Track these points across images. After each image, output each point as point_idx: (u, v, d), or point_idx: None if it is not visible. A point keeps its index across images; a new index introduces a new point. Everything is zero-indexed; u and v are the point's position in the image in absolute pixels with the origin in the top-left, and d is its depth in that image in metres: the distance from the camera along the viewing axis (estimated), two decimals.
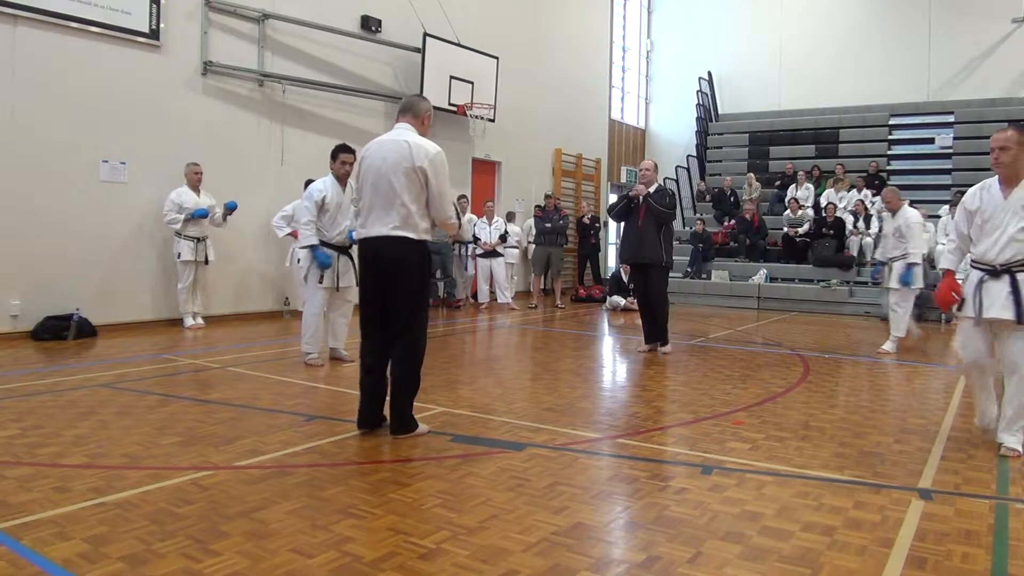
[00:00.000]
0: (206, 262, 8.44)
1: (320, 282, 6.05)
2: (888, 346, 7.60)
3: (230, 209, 8.36)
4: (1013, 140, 3.84)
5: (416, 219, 3.88)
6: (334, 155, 6.05)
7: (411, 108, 4.06)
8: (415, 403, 4.04)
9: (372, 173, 3.92)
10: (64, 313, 7.46)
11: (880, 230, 7.53)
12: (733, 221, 14.48)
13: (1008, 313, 3.80)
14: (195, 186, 8.40)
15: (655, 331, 7.29)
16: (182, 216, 8.17)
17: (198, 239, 8.38)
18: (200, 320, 8.54)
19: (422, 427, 4.08)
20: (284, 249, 9.72)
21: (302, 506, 2.97)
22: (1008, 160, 3.85)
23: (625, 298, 11.49)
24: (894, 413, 4.92)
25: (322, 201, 5.93)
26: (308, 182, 6.67)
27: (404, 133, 3.97)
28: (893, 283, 7.58)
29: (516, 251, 12.25)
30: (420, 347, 4.02)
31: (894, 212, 7.46)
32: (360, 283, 4.17)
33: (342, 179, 6.02)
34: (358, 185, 4.08)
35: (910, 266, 7.54)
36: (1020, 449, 3.85)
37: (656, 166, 7.33)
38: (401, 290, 3.91)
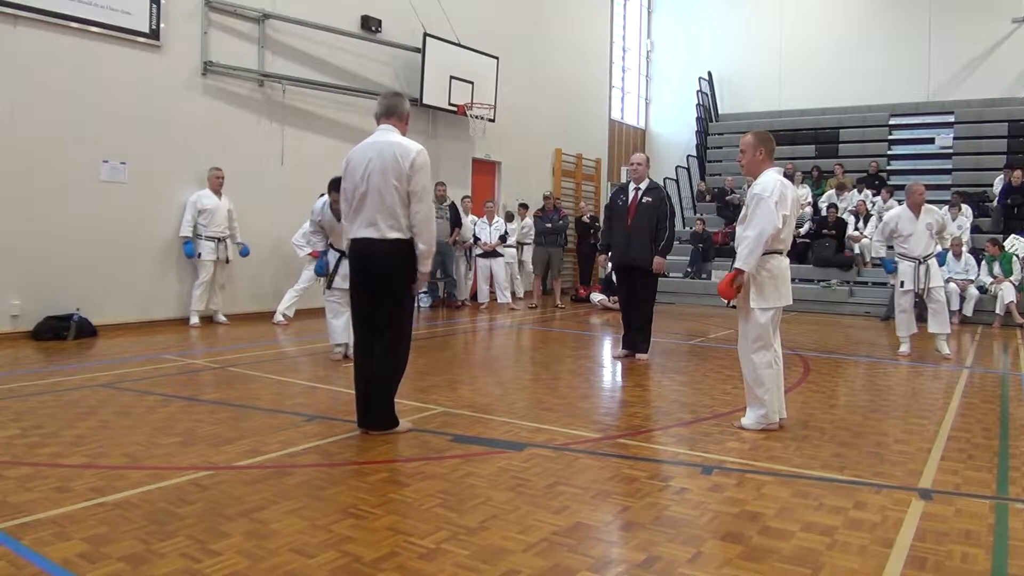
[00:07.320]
0: (227, 261, 8.75)
1: (330, 286, 6.12)
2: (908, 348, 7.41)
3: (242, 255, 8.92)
4: None
5: (403, 221, 3.93)
6: (335, 186, 6.02)
7: (396, 111, 4.10)
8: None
9: (359, 175, 3.96)
10: (64, 313, 7.46)
11: (895, 228, 7.23)
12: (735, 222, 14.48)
13: None
14: (216, 190, 8.59)
15: (637, 338, 6.85)
16: (191, 228, 8.42)
17: (218, 239, 8.55)
18: (223, 317, 8.82)
19: (403, 424, 4.09)
20: (284, 249, 9.73)
21: (302, 506, 2.97)
22: None
23: (609, 297, 11.47)
24: (894, 413, 4.92)
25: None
26: None
27: (388, 135, 4.01)
28: (937, 280, 7.23)
29: (512, 250, 12.22)
30: (402, 345, 4.06)
31: (918, 209, 7.23)
32: (351, 285, 4.21)
33: None
34: (345, 187, 4.09)
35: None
36: None
37: (648, 160, 6.88)
38: (388, 289, 3.97)
